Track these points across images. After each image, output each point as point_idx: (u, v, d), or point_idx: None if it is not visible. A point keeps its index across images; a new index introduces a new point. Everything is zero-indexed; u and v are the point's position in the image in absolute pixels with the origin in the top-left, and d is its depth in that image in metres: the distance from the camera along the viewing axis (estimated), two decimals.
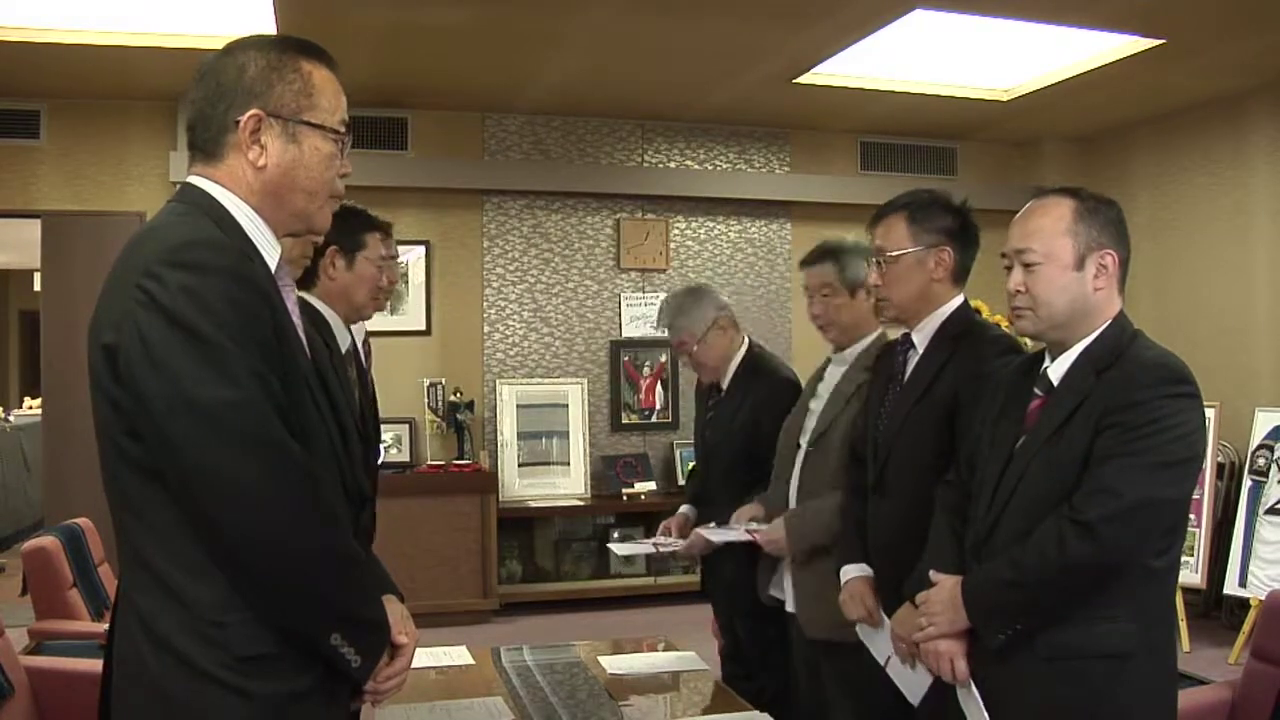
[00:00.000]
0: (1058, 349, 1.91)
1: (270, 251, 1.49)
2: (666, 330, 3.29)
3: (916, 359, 2.38)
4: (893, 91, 5.84)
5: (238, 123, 1.45)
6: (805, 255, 3.02)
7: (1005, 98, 5.99)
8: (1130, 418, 1.74)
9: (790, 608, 2.77)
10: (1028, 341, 2.54)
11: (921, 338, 2.38)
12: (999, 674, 1.85)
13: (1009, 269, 1.94)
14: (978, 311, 2.53)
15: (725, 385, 3.21)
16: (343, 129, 1.54)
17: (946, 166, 7.00)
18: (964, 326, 2.35)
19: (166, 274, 1.32)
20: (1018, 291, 1.91)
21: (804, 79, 5.59)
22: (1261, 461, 5.24)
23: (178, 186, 1.51)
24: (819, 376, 2.93)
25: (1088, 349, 1.87)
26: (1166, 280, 6.28)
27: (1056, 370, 1.90)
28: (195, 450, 1.30)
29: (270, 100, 1.47)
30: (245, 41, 1.51)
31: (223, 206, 1.46)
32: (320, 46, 1.56)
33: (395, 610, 1.57)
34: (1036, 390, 1.92)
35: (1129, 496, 1.71)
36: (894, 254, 2.36)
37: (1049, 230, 1.89)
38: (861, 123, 6.59)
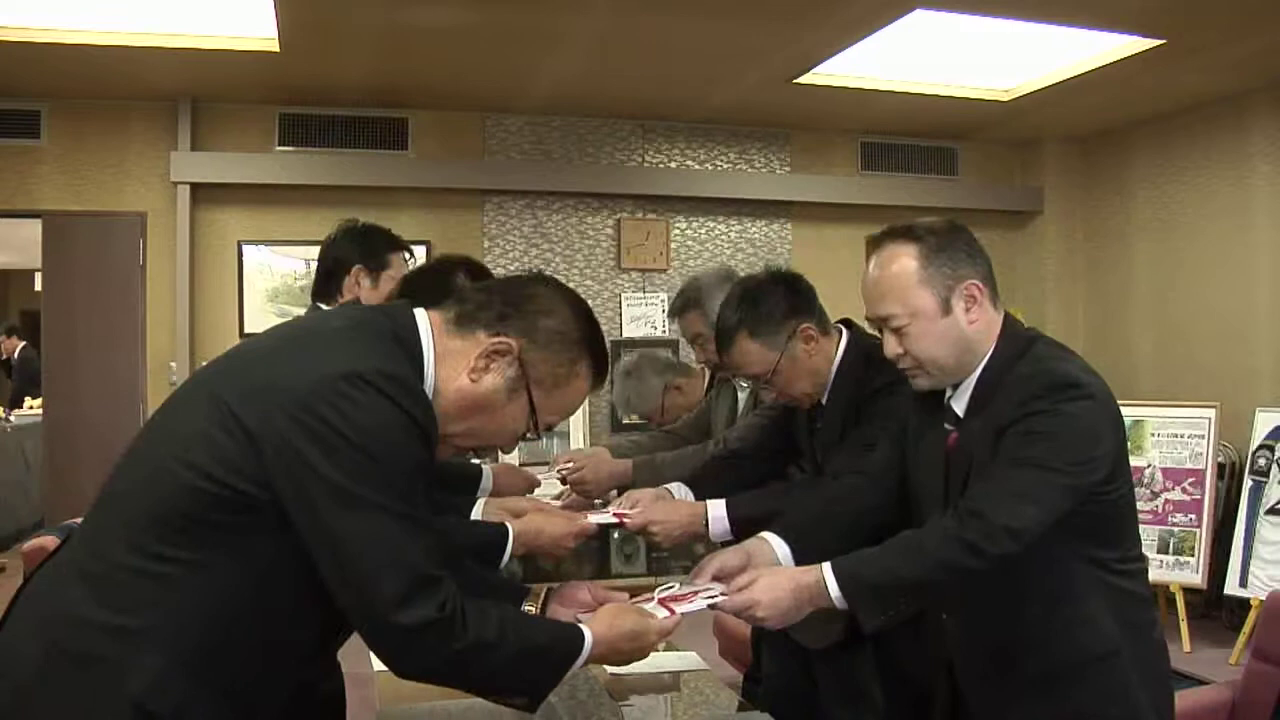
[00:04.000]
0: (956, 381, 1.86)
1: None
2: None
3: (822, 417, 2.35)
4: (893, 92, 5.84)
5: (493, 337, 1.45)
6: (671, 304, 3.05)
7: (1005, 98, 5.98)
8: (1020, 427, 1.69)
9: None
10: None
11: (824, 395, 2.33)
12: (990, 694, 1.83)
13: (880, 330, 1.85)
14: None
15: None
16: (542, 429, 1.52)
17: (947, 167, 7.00)
18: (860, 370, 2.28)
19: (361, 388, 1.30)
20: (899, 354, 1.82)
21: (804, 79, 5.59)
22: (1262, 462, 5.24)
23: (391, 304, 1.51)
24: (720, 398, 2.97)
25: (984, 372, 1.81)
26: (1166, 280, 6.28)
27: (959, 401, 1.84)
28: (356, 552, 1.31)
29: (537, 352, 1.47)
30: (567, 292, 1.55)
31: (424, 355, 1.43)
32: (606, 363, 1.58)
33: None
34: (947, 425, 1.86)
35: (1014, 490, 1.65)
36: (765, 374, 2.27)
37: (902, 287, 1.78)
38: (861, 123, 6.59)
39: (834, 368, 2.31)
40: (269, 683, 1.43)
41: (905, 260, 1.79)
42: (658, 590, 1.77)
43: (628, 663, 1.61)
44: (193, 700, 1.32)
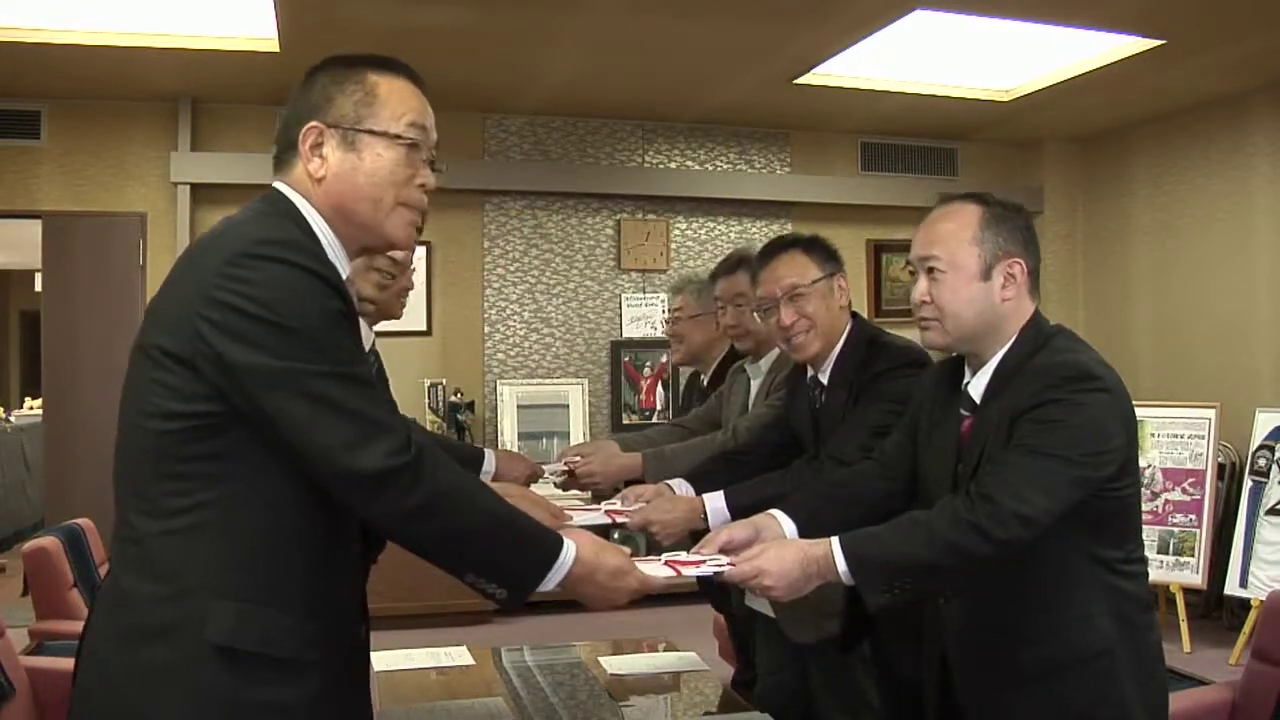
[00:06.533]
0: (975, 363, 1.88)
1: (342, 263, 1.51)
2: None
3: (823, 398, 2.40)
4: (893, 92, 5.84)
5: (303, 142, 1.49)
6: (718, 265, 3.13)
7: (1006, 98, 5.99)
8: (1034, 415, 1.71)
9: (771, 613, 2.76)
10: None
11: (825, 373, 2.40)
12: (982, 685, 1.84)
13: (913, 275, 1.89)
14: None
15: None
16: (412, 134, 1.51)
17: (947, 167, 7.00)
18: (863, 353, 2.36)
19: (251, 265, 1.33)
20: (923, 301, 1.86)
21: (804, 79, 5.59)
22: (1262, 462, 5.24)
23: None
24: (734, 388, 2.98)
25: (1004, 360, 1.83)
26: (1166, 280, 6.28)
27: (976, 387, 1.86)
28: (296, 424, 1.33)
29: (330, 112, 1.49)
30: (325, 61, 1.55)
31: (300, 212, 1.48)
32: (398, 60, 1.56)
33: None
34: (963, 411, 1.88)
35: (1025, 477, 1.67)
36: (803, 286, 2.36)
37: (954, 237, 1.83)
38: (862, 123, 6.59)
39: (837, 349, 2.40)
40: (338, 580, 1.48)
41: (967, 216, 1.85)
42: (665, 553, 1.80)
43: (601, 601, 1.59)
44: (274, 625, 1.36)
